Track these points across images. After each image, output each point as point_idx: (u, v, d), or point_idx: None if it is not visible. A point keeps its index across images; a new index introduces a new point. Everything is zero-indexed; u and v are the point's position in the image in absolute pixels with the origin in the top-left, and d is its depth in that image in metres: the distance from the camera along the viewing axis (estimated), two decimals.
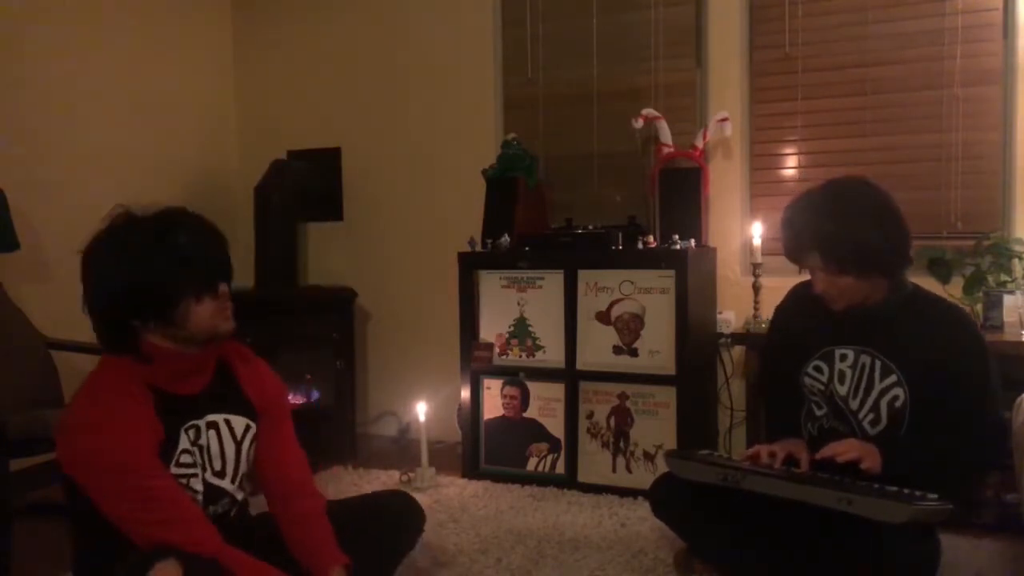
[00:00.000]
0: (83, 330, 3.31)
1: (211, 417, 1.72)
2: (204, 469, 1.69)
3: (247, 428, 1.78)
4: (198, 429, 1.69)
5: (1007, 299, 2.86)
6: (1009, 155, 3.08)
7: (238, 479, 1.77)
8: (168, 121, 4.03)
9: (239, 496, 1.79)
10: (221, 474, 1.73)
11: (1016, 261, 2.96)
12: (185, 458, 1.65)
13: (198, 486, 1.68)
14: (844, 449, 1.92)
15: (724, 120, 3.34)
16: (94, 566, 1.67)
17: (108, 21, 3.73)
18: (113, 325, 1.63)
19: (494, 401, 3.37)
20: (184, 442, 1.66)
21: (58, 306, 3.36)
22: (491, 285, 3.39)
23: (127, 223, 1.63)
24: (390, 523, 1.98)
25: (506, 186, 3.47)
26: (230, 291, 1.69)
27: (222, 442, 1.73)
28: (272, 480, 1.84)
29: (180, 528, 1.56)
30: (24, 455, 2.62)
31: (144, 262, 1.58)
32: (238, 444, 1.76)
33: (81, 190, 3.58)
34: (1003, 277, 2.96)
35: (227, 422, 1.74)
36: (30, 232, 3.24)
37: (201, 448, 1.69)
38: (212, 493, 1.71)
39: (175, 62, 4.08)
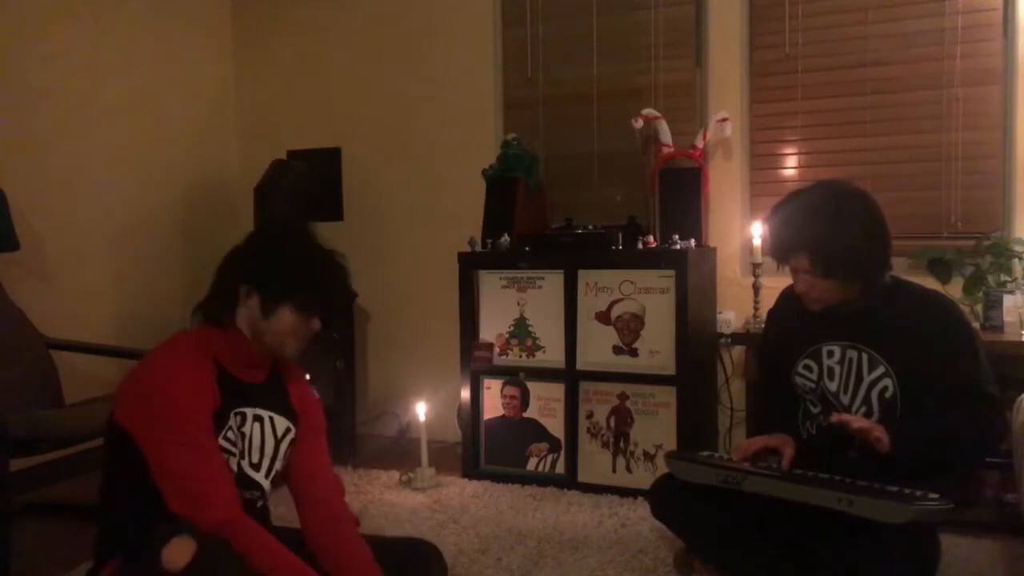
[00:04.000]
0: (83, 330, 3.35)
1: (259, 411, 1.79)
2: (242, 457, 1.75)
3: (288, 430, 1.85)
4: (244, 417, 1.76)
5: (1007, 299, 2.87)
6: (1009, 155, 3.08)
7: (272, 474, 1.82)
8: (168, 121, 4.03)
9: (269, 492, 1.84)
10: (257, 467, 1.79)
11: (1016, 261, 2.97)
12: (229, 435, 1.72)
13: (233, 467, 1.73)
14: (857, 418, 1.92)
15: (724, 120, 3.34)
16: (118, 531, 1.70)
17: (108, 21, 3.72)
18: (228, 280, 1.74)
19: (494, 401, 3.37)
20: (231, 422, 1.73)
21: (58, 306, 3.37)
22: (491, 285, 3.39)
23: (304, 229, 1.85)
24: (410, 571, 1.93)
25: (506, 186, 3.47)
26: (319, 334, 1.79)
27: (263, 436, 1.80)
28: (302, 485, 1.88)
29: (207, 486, 1.61)
30: (24, 455, 2.62)
31: (296, 256, 1.74)
32: (277, 442, 1.83)
33: (81, 190, 3.59)
34: (1003, 277, 2.96)
35: (271, 419, 1.82)
36: (30, 232, 3.24)
37: (243, 436, 1.75)
38: (244, 481, 1.76)
39: (175, 62, 4.08)
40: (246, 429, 1.75)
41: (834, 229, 1.95)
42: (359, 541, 1.82)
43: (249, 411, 1.76)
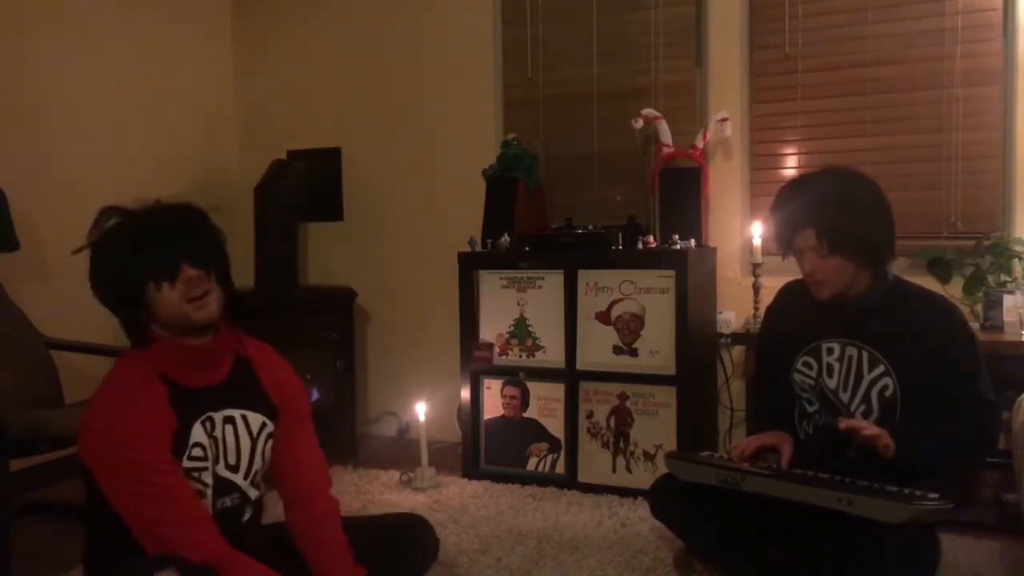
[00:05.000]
0: (83, 330, 3.35)
1: (228, 411, 1.72)
2: (216, 462, 1.69)
3: (263, 425, 1.78)
4: (213, 422, 1.69)
5: (1007, 299, 2.87)
6: (1009, 155, 3.08)
7: (251, 475, 1.76)
8: (168, 121, 4.03)
9: (252, 494, 1.78)
10: (234, 468, 1.73)
11: (1016, 261, 2.97)
12: (197, 451, 1.66)
13: (208, 479, 1.68)
14: (867, 425, 1.91)
15: (724, 120, 3.34)
16: (104, 561, 1.68)
17: (108, 21, 3.73)
18: (121, 316, 1.67)
19: (494, 401, 3.37)
20: (198, 434, 1.66)
21: (58, 306, 3.37)
22: (491, 285, 3.39)
23: (116, 219, 1.69)
24: (403, 548, 1.95)
25: (506, 186, 3.47)
26: (221, 277, 1.68)
27: (238, 437, 1.73)
28: (288, 482, 1.84)
29: (179, 529, 1.57)
30: (24, 455, 2.62)
31: (110, 253, 1.64)
32: (253, 440, 1.76)
33: (81, 190, 3.58)
34: (1003, 277, 2.96)
35: (244, 418, 1.74)
36: (30, 232, 3.24)
37: (216, 440, 1.69)
38: (222, 486, 1.71)
39: (175, 62, 4.08)
40: (218, 433, 1.69)
41: (841, 205, 1.97)
42: (342, 541, 1.80)
43: (217, 415, 1.69)
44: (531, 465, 3.30)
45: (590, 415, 3.21)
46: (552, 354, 3.28)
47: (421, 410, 3.34)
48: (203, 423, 1.67)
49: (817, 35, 3.32)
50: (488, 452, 3.37)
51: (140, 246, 1.62)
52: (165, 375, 1.65)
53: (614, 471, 3.16)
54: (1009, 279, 2.95)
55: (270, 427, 1.79)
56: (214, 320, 1.67)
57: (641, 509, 2.81)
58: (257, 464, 1.77)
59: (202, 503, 1.66)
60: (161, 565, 1.49)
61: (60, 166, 3.49)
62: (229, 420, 1.72)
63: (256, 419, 1.77)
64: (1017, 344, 2.69)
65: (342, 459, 3.50)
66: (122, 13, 3.79)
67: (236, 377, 1.76)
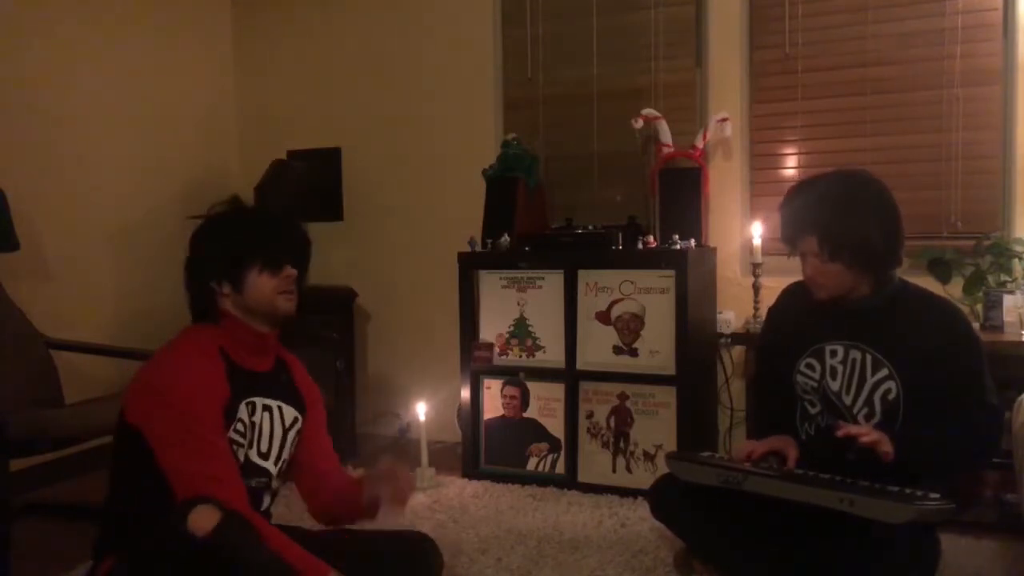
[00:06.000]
0: (83, 330, 3.35)
1: (267, 400, 1.83)
2: (251, 446, 1.79)
3: (295, 420, 1.90)
4: (254, 406, 1.79)
5: (1007, 299, 2.87)
6: (1009, 155, 3.08)
7: (280, 463, 1.86)
8: (168, 121, 4.03)
9: (276, 483, 1.87)
10: (265, 456, 1.82)
11: (1016, 261, 2.97)
12: (239, 427, 1.75)
13: (240, 457, 1.76)
14: (865, 431, 1.90)
15: (724, 120, 3.34)
16: (121, 528, 1.71)
17: (109, 21, 3.73)
18: (197, 286, 1.82)
19: (494, 401, 3.37)
20: (241, 413, 1.76)
21: (58, 306, 3.38)
22: (491, 285, 3.39)
23: (229, 204, 1.88)
24: (408, 564, 1.96)
25: (506, 186, 3.47)
26: (300, 280, 1.86)
27: (272, 426, 1.84)
28: (306, 476, 1.94)
29: (223, 487, 1.65)
30: (24, 455, 2.62)
31: (227, 230, 1.82)
32: (285, 431, 1.87)
33: (81, 190, 3.59)
34: (1003, 277, 2.96)
35: (280, 408, 1.86)
36: (30, 232, 3.24)
37: (253, 425, 1.79)
38: (251, 469, 1.79)
39: (175, 62, 4.08)
40: (256, 418, 1.79)
41: (843, 213, 1.97)
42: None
43: (259, 400, 1.80)
44: (531, 465, 3.30)
45: (590, 415, 3.21)
46: (552, 354, 3.28)
47: (421, 410, 3.34)
48: (246, 405, 1.77)
49: (817, 35, 3.32)
50: (488, 452, 3.37)
51: (260, 236, 1.81)
52: (224, 350, 1.78)
53: (614, 471, 3.16)
54: (1009, 279, 2.95)
55: (299, 424, 1.91)
56: (292, 314, 1.85)
57: (641, 509, 2.81)
58: (286, 454, 1.87)
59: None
60: (202, 501, 1.55)
61: (60, 166, 3.50)
62: (267, 408, 1.83)
63: (290, 412, 1.88)
64: (1017, 344, 2.70)
65: (342, 459, 3.46)
66: (122, 14, 3.79)
67: (277, 372, 1.90)
